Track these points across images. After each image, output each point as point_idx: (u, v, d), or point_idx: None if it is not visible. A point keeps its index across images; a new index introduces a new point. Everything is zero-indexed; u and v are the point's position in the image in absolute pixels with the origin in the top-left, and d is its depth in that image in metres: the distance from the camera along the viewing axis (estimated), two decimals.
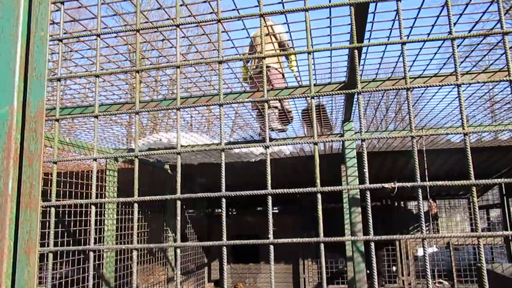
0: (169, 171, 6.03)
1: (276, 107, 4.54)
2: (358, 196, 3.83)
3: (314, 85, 3.06)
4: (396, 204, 8.58)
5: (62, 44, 1.17)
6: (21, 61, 1.11)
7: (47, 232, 3.57)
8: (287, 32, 2.50)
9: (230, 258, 8.09)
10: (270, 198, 0.99)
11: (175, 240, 6.09)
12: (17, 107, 1.07)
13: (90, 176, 4.24)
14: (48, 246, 1.09)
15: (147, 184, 5.39)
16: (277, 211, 8.64)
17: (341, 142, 5.63)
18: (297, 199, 8.11)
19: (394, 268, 7.66)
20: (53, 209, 1.10)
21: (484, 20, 2.27)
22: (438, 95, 3.82)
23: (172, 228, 6.08)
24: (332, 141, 1.01)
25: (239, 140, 5.20)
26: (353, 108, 3.74)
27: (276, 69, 4.14)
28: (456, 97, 3.87)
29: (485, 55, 2.84)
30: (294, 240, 0.96)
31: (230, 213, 9.03)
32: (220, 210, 9.03)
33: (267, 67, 3.98)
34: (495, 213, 9.11)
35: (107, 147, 5.02)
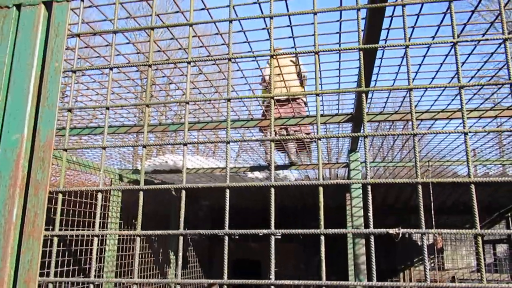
0: (174, 192, 6.03)
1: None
2: (362, 227, 3.79)
3: (322, 115, 3.08)
4: (400, 235, 8.46)
5: (74, 75, 1.20)
6: (34, 90, 1.13)
7: (48, 259, 3.54)
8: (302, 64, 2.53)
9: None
10: (273, 238, 0.99)
11: (176, 262, 6.03)
12: (27, 135, 1.09)
13: (94, 195, 4.24)
14: (49, 275, 1.09)
15: (151, 204, 5.38)
16: (279, 237, 8.56)
17: (346, 170, 5.60)
18: (300, 224, 8.04)
19: None
20: (55, 239, 1.10)
21: (492, 61, 2.28)
22: (446, 128, 3.82)
23: (174, 250, 6.03)
24: (337, 183, 1.00)
25: (244, 165, 5.20)
26: (360, 139, 3.74)
27: (301, 98, 4.01)
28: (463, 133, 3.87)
29: (493, 94, 2.84)
30: (296, 282, 0.96)
31: (233, 237, 8.95)
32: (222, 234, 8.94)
33: (296, 98, 3.92)
34: (501, 248, 8.94)
35: (112, 167, 5.04)
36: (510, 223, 7.32)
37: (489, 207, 7.03)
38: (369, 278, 0.93)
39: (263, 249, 7.71)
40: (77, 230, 4.13)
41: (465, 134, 0.96)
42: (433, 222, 4.44)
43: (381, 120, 3.05)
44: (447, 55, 2.27)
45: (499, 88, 2.77)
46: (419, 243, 8.68)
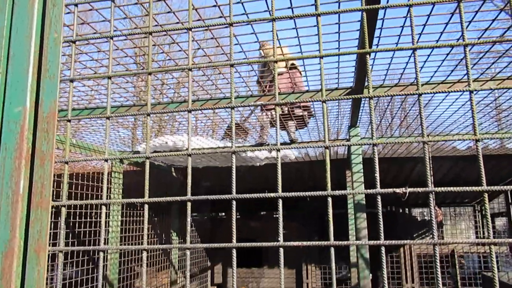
0: (174, 174, 6.04)
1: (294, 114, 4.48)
2: (364, 202, 3.82)
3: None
4: (400, 210, 8.54)
5: (74, 45, 1.18)
6: (35, 62, 1.11)
7: (55, 231, 3.58)
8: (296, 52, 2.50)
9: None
10: (280, 201, 1.00)
11: (180, 243, 6.09)
12: (30, 107, 1.08)
13: (95, 178, 4.25)
14: (58, 245, 1.10)
15: (152, 186, 5.39)
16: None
17: (346, 148, 5.61)
18: (301, 205, 8.10)
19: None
20: (63, 209, 1.11)
21: (492, 28, 2.26)
22: (444, 102, 3.81)
23: (177, 230, 6.09)
24: (342, 145, 1.01)
25: (244, 144, 5.21)
26: (359, 114, 3.74)
27: (299, 71, 3.96)
28: (463, 105, 3.87)
29: (493, 63, 2.83)
30: (304, 243, 0.96)
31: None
32: (223, 214, 9.02)
33: (294, 66, 3.87)
34: (500, 221, 9.04)
35: (112, 150, 5.04)
36: (509, 196, 7.39)
37: (489, 183, 7.08)
38: (376, 238, 0.94)
39: (264, 228, 7.78)
40: (79, 213, 4.15)
41: (471, 92, 0.96)
42: (433, 196, 4.45)
43: (386, 95, 3.03)
44: (447, 24, 2.25)
45: (500, 57, 2.75)
46: (419, 218, 8.78)
